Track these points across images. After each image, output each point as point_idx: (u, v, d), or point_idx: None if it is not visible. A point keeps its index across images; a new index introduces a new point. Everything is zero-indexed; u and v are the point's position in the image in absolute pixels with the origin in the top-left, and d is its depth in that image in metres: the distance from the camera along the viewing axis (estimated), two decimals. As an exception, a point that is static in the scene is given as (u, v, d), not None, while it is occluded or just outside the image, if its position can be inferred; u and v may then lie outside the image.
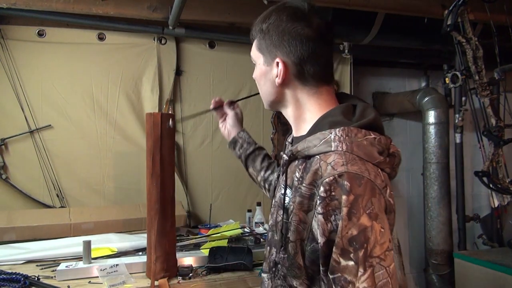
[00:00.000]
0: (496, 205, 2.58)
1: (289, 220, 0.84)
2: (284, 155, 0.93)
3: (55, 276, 1.66)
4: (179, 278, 1.72)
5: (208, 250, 1.89)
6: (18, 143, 2.56)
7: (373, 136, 0.84)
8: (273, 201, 0.99)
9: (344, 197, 0.74)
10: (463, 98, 2.87)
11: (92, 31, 2.69)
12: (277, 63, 0.92)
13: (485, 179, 2.47)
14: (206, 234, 2.29)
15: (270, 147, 3.10)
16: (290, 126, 0.99)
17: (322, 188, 0.77)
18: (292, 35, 0.90)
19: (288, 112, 0.98)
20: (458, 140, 3.22)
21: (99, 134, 2.70)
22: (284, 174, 0.91)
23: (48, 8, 2.42)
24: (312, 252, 0.80)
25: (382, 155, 0.84)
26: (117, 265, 1.68)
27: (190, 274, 1.72)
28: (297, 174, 0.86)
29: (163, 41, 2.83)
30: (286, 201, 0.87)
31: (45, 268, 1.79)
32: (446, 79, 2.55)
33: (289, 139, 1.06)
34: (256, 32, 0.97)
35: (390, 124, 3.64)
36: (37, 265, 1.82)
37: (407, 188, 3.71)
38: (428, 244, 3.24)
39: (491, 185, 2.49)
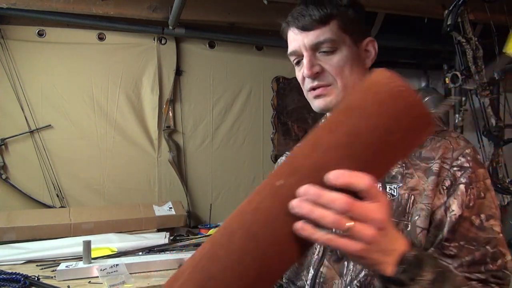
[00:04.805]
0: (496, 205, 2.57)
1: (409, 210, 0.76)
2: None
3: (55, 276, 1.66)
4: (179, 278, 1.71)
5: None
6: (18, 143, 2.55)
7: None
8: None
9: (481, 170, 0.75)
10: (463, 98, 2.87)
11: (92, 31, 2.69)
12: (368, 43, 0.84)
13: (485, 179, 2.47)
14: (206, 234, 2.29)
15: (270, 147, 3.10)
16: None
17: (463, 159, 0.75)
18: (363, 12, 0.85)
19: None
20: (458, 140, 3.22)
21: (99, 134, 2.70)
22: None
23: (48, 8, 2.42)
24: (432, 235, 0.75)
25: None
26: (117, 265, 1.68)
27: (190, 274, 1.72)
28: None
29: (163, 41, 2.83)
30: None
31: (45, 268, 1.78)
32: (446, 79, 2.55)
33: None
34: (333, 8, 0.80)
35: (390, 124, 3.64)
36: (37, 265, 1.82)
37: (407, 188, 3.70)
38: (428, 244, 3.23)
39: (491, 185, 2.49)
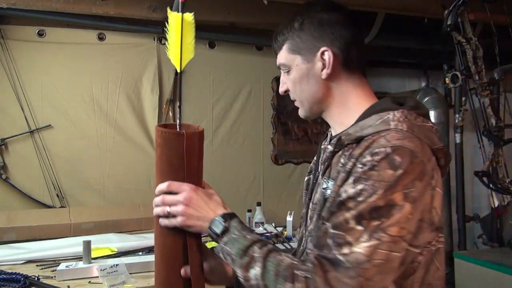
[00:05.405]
0: (496, 205, 2.57)
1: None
2: (329, 146, 0.87)
3: (55, 276, 1.65)
4: (179, 278, 1.71)
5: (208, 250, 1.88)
6: (18, 143, 2.56)
7: (430, 124, 0.81)
8: (311, 205, 0.91)
9: (389, 171, 0.71)
10: (463, 98, 2.88)
11: (92, 31, 2.69)
12: (323, 53, 0.86)
13: (485, 179, 2.47)
14: (206, 234, 2.29)
15: (270, 147, 3.10)
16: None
17: (369, 157, 0.73)
18: (332, 22, 0.87)
19: (332, 110, 0.91)
20: (458, 140, 3.22)
21: (99, 134, 2.70)
22: (328, 169, 0.85)
23: (48, 8, 2.42)
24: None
25: (440, 143, 0.80)
26: (117, 265, 1.68)
27: (190, 274, 1.72)
28: (342, 160, 0.80)
29: (163, 41, 2.83)
30: (327, 194, 0.82)
31: (45, 268, 1.78)
32: (446, 79, 2.56)
33: (325, 143, 0.97)
34: (285, 34, 0.90)
35: (390, 124, 3.64)
36: (37, 265, 1.82)
37: (407, 188, 3.70)
38: (428, 244, 3.23)
39: (491, 185, 2.49)
